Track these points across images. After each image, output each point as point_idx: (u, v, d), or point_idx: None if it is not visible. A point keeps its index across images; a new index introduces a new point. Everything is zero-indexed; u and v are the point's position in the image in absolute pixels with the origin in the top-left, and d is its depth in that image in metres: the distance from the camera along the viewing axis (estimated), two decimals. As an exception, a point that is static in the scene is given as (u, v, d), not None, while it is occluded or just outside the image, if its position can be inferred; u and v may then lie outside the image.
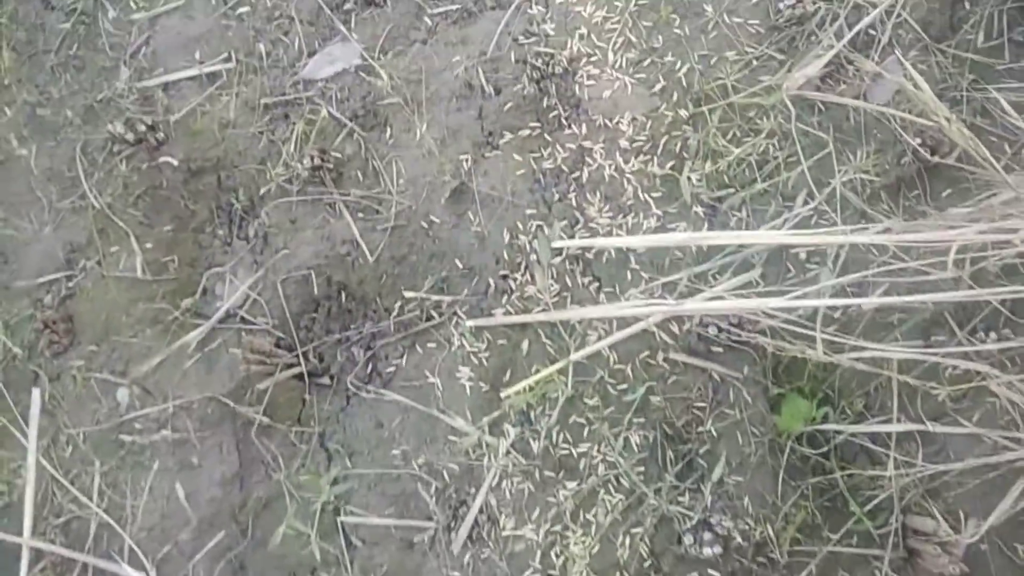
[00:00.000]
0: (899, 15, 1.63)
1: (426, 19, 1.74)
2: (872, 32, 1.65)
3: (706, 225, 1.58)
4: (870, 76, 1.61)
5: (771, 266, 1.53)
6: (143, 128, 1.65)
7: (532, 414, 1.48)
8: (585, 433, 1.47)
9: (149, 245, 1.66)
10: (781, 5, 1.64)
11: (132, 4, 1.77)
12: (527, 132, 1.66)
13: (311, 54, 1.74)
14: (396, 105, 1.67)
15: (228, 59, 1.73)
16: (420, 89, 1.69)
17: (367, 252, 1.61)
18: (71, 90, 1.74)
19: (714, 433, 1.45)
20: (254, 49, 1.74)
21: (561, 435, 1.47)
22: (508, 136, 1.66)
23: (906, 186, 1.56)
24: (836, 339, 1.38)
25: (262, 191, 1.67)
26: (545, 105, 1.66)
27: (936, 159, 1.52)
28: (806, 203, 1.55)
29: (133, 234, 1.66)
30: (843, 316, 1.49)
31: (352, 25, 1.74)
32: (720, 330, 1.45)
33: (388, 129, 1.68)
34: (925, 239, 1.31)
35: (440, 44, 1.72)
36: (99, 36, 1.76)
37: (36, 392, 1.60)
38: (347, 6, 1.75)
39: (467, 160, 1.65)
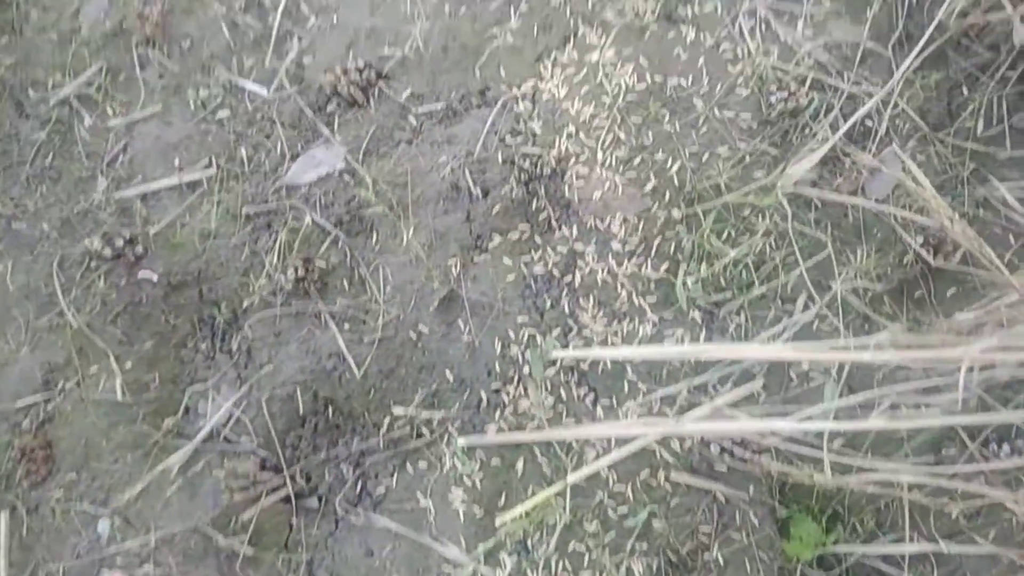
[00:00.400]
0: (896, 104, 1.59)
1: (411, 119, 1.70)
2: (868, 122, 1.60)
3: (703, 332, 1.52)
4: (868, 169, 1.57)
5: (773, 375, 1.47)
6: (121, 243, 1.61)
7: (529, 542, 1.42)
8: (585, 561, 1.41)
9: (129, 364, 1.60)
10: (772, 99, 1.60)
11: (109, 110, 1.73)
12: (516, 235, 1.61)
13: (294, 157, 1.70)
14: (383, 204, 1.63)
15: (208, 165, 1.69)
16: (406, 192, 1.64)
17: (354, 366, 1.55)
18: (47, 202, 1.70)
19: (721, 561, 1.39)
20: (235, 154, 1.70)
21: (560, 564, 1.41)
22: (497, 239, 1.61)
23: (909, 287, 1.51)
24: (843, 458, 1.32)
25: (245, 304, 1.62)
26: (534, 207, 1.61)
27: (939, 261, 1.47)
28: (806, 307, 1.50)
29: (112, 353, 1.60)
30: (849, 431, 1.43)
31: (335, 127, 1.70)
32: (723, 450, 1.39)
33: (374, 234, 1.64)
34: (931, 357, 1.26)
35: (426, 144, 1.68)
36: (75, 144, 1.72)
37: (3, 516, 1.53)
38: (330, 108, 1.71)
39: (456, 265, 1.60)
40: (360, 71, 1.67)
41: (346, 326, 1.59)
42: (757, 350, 1.40)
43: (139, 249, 1.63)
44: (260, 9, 1.74)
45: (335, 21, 1.73)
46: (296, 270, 1.57)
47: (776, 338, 1.48)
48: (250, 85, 1.71)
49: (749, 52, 1.65)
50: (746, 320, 1.51)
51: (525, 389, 1.52)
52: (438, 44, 1.71)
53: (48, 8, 1.79)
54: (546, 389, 1.51)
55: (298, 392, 1.56)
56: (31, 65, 1.75)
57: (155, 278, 1.62)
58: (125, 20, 1.74)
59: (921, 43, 1.53)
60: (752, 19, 1.67)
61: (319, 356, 1.57)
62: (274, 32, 1.72)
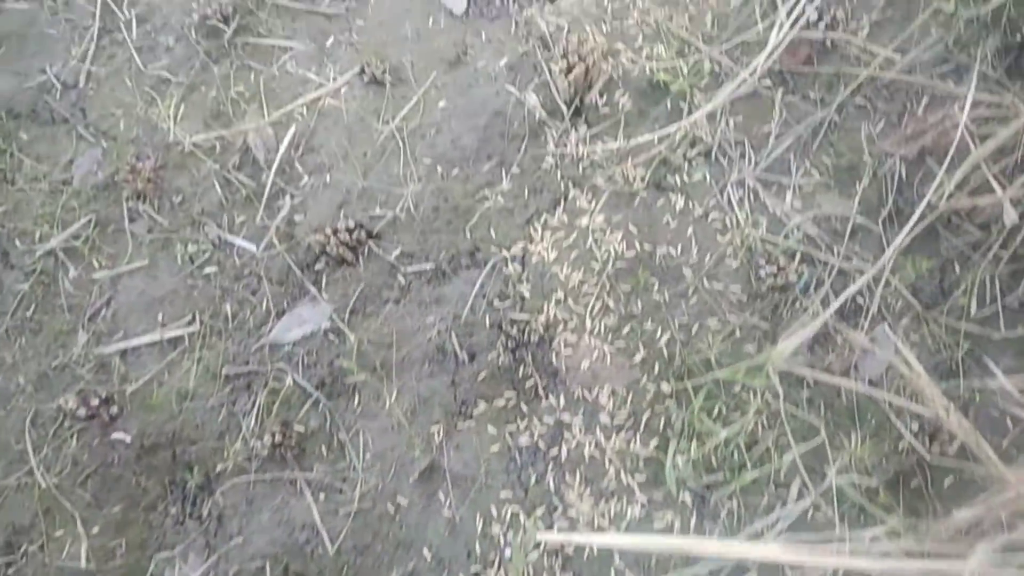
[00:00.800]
0: (887, 282, 1.58)
1: (400, 278, 1.68)
2: (860, 299, 1.58)
3: (694, 516, 1.46)
4: (860, 349, 1.54)
5: (767, 568, 1.41)
6: (96, 402, 1.57)
7: None
8: None
9: (96, 529, 1.54)
10: (762, 272, 1.59)
11: (95, 263, 1.72)
12: (502, 402, 1.57)
13: (279, 315, 1.67)
14: (365, 372, 1.60)
15: (192, 321, 1.66)
16: (391, 353, 1.61)
17: (327, 541, 1.49)
18: (25, 356, 1.67)
19: None
20: (220, 310, 1.68)
21: None
22: (482, 406, 1.57)
23: (905, 477, 1.45)
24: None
25: (219, 468, 1.57)
26: (521, 374, 1.58)
27: (936, 454, 1.42)
28: (800, 495, 1.44)
29: (80, 517, 1.54)
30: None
31: (323, 285, 1.69)
32: (712, 656, 1.31)
33: (356, 396, 1.60)
34: (932, 570, 1.20)
35: (413, 304, 1.66)
36: (58, 297, 1.70)
37: None
38: (318, 266, 1.70)
39: (439, 432, 1.55)
40: (350, 231, 1.66)
41: (321, 496, 1.53)
42: (749, 549, 1.34)
43: (114, 409, 1.58)
44: (254, 167, 1.76)
45: (328, 180, 1.74)
46: (273, 435, 1.53)
47: (770, 528, 1.42)
48: (240, 241, 1.70)
49: (738, 223, 1.65)
50: (738, 506, 1.46)
51: (506, 574, 1.45)
52: (429, 205, 1.72)
53: (42, 158, 1.80)
54: (529, 575, 1.44)
55: (268, 566, 1.49)
56: (20, 215, 1.75)
57: (128, 439, 1.57)
58: (117, 173, 1.75)
59: (911, 222, 1.53)
60: (741, 189, 1.68)
61: (292, 527, 1.51)
62: (267, 190, 1.73)
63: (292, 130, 1.78)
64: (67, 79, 1.89)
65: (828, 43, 1.74)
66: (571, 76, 1.70)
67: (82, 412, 1.56)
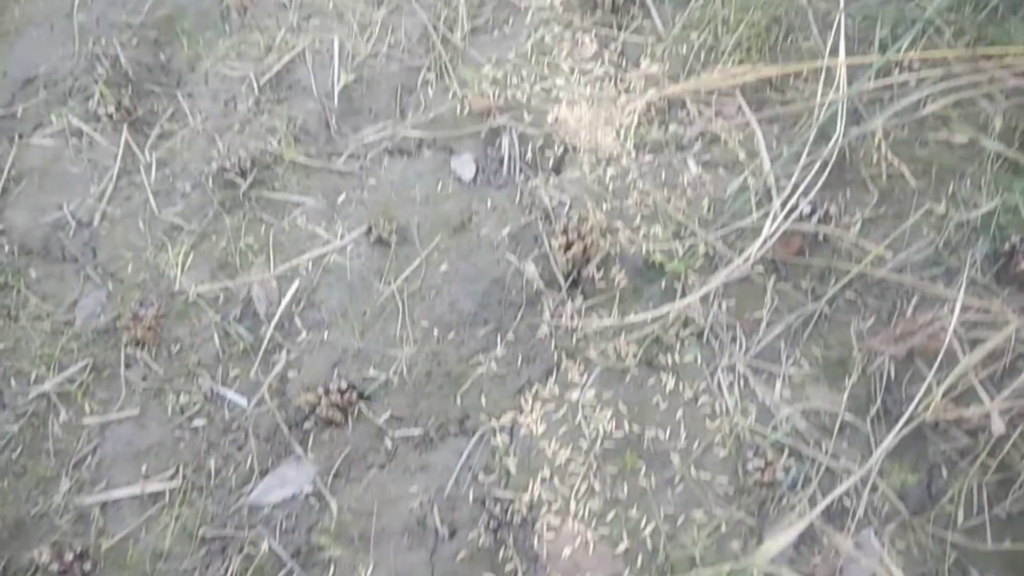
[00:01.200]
0: (875, 485, 1.57)
1: (387, 442, 1.68)
2: (847, 501, 1.57)
3: None
4: (845, 555, 1.52)
5: None
6: (70, 557, 1.54)
7: None
8: None
9: None
10: (750, 465, 1.58)
11: (86, 408, 1.73)
12: (480, 585, 1.54)
13: (263, 473, 1.67)
14: (342, 542, 1.58)
15: (175, 476, 1.66)
16: (371, 523, 1.60)
17: None
18: (5, 500, 1.65)
19: None
20: (204, 464, 1.67)
21: None
22: (459, 587, 1.54)
23: None
24: None
25: (184, 638, 1.53)
26: (501, 557, 1.56)
27: None
28: None
29: None
30: None
31: (309, 445, 1.68)
32: None
33: (331, 568, 1.57)
34: None
35: (399, 471, 1.65)
36: (46, 440, 1.70)
37: None
38: (306, 425, 1.70)
39: (412, 615, 1.52)
40: (342, 392, 1.67)
41: (286, 677, 1.49)
42: None
43: (87, 565, 1.56)
44: (254, 319, 1.79)
45: (325, 338, 1.77)
46: (244, 607, 1.50)
47: None
48: (231, 395, 1.72)
49: (727, 409, 1.66)
50: None
51: None
52: (423, 369, 1.73)
53: (47, 297, 1.84)
54: None
55: None
56: (18, 355, 1.77)
57: (97, 600, 1.54)
58: (119, 319, 1.78)
59: (899, 426, 1.54)
60: (731, 374, 1.70)
61: None
62: (264, 344, 1.75)
63: (295, 284, 1.82)
64: (82, 217, 1.95)
65: (821, 236, 1.79)
66: (569, 253, 1.75)
67: (55, 567, 1.53)
